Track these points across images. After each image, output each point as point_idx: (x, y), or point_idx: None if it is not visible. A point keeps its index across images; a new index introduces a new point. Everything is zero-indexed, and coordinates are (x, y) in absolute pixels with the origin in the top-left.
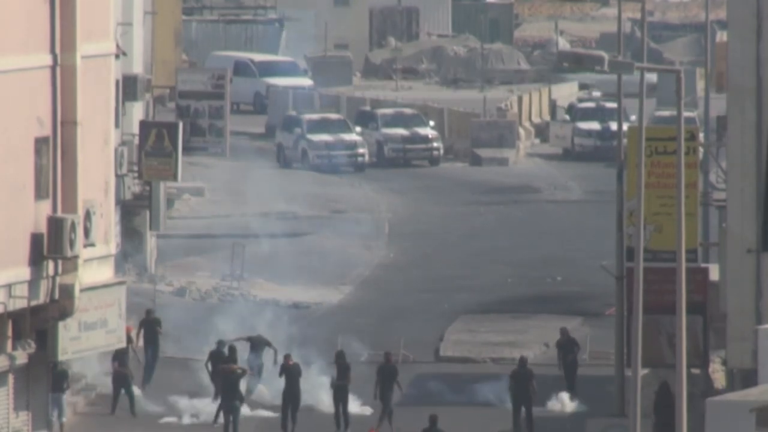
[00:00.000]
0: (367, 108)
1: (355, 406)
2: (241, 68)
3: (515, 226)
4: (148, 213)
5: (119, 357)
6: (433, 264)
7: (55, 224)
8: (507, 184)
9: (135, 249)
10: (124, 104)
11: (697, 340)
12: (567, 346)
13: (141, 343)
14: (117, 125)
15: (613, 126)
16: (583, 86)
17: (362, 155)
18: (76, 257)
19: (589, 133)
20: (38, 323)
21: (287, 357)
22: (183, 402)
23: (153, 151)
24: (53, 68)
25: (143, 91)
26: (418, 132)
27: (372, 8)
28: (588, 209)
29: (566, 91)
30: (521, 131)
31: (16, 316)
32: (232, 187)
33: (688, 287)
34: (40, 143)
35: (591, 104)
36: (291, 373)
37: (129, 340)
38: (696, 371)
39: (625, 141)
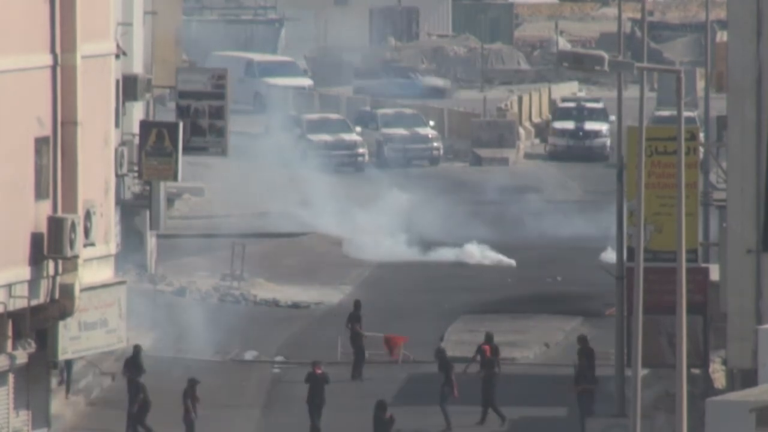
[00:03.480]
0: (367, 108)
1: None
2: (241, 68)
3: (515, 226)
4: (148, 213)
5: None
6: (433, 264)
7: (55, 224)
8: (507, 184)
9: (135, 249)
10: (124, 104)
11: (697, 340)
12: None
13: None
14: (117, 125)
15: (588, 126)
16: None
17: (362, 155)
18: (76, 257)
19: (563, 133)
20: (38, 323)
21: (316, 365)
22: None
23: (153, 151)
24: (53, 68)
25: (143, 91)
26: (418, 132)
27: (372, 8)
28: (588, 209)
29: (566, 92)
30: (521, 131)
31: (16, 316)
32: (232, 187)
33: (688, 287)
34: (40, 143)
35: (571, 104)
36: (317, 381)
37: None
38: (696, 371)
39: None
